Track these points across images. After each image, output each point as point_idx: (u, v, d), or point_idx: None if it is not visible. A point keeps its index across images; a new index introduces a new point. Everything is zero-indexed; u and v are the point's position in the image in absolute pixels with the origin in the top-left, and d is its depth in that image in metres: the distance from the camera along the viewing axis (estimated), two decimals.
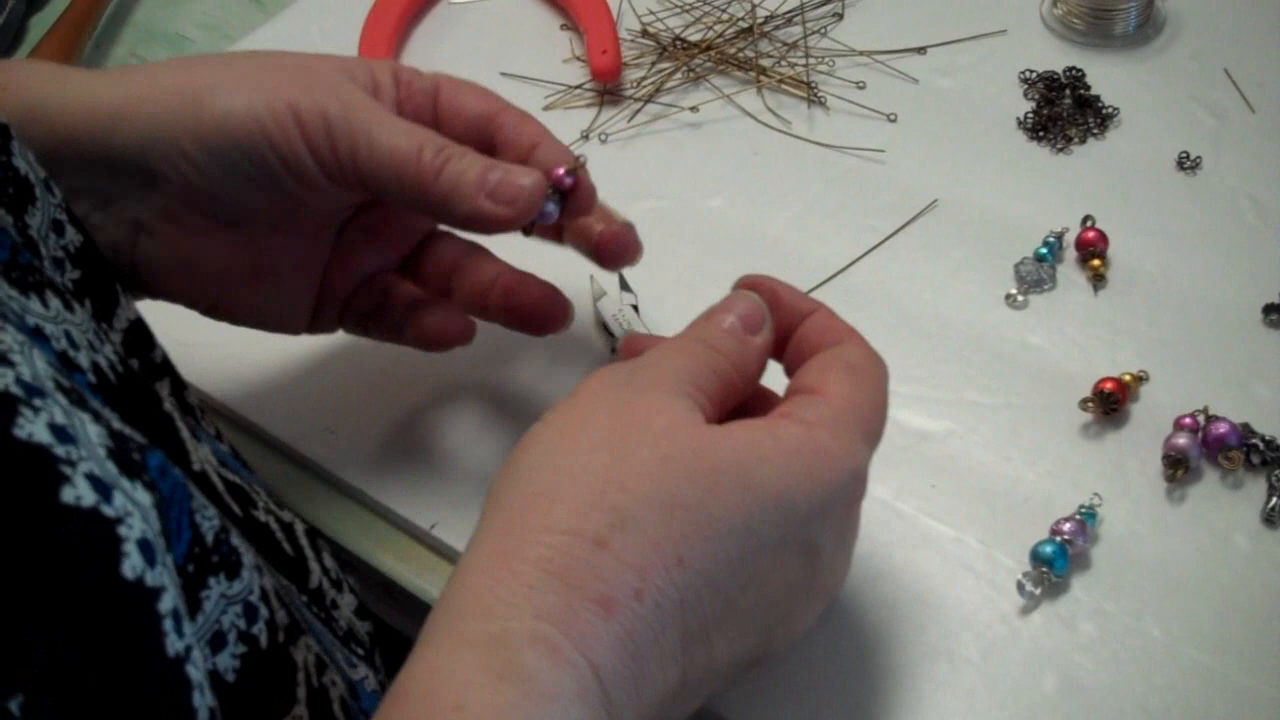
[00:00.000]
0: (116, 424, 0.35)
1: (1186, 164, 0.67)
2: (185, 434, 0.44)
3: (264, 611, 0.39)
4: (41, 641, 0.31)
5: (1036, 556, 0.52)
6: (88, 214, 0.49)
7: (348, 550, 0.57)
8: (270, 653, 0.39)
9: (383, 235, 0.55)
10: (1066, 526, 0.52)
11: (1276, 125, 0.69)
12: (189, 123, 0.48)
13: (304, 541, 0.49)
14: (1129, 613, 0.51)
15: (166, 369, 0.48)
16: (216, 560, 0.38)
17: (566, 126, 0.72)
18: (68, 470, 0.32)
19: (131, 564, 0.33)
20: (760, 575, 0.41)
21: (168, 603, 0.34)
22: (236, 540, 0.39)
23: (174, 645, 0.34)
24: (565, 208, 0.50)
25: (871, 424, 0.45)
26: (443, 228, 0.55)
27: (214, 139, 0.48)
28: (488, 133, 0.52)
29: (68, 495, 0.32)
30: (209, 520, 0.37)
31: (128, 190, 0.49)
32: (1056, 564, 0.51)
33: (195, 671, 0.34)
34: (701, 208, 0.68)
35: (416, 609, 0.56)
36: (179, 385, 0.48)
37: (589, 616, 0.37)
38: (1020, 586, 0.52)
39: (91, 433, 0.33)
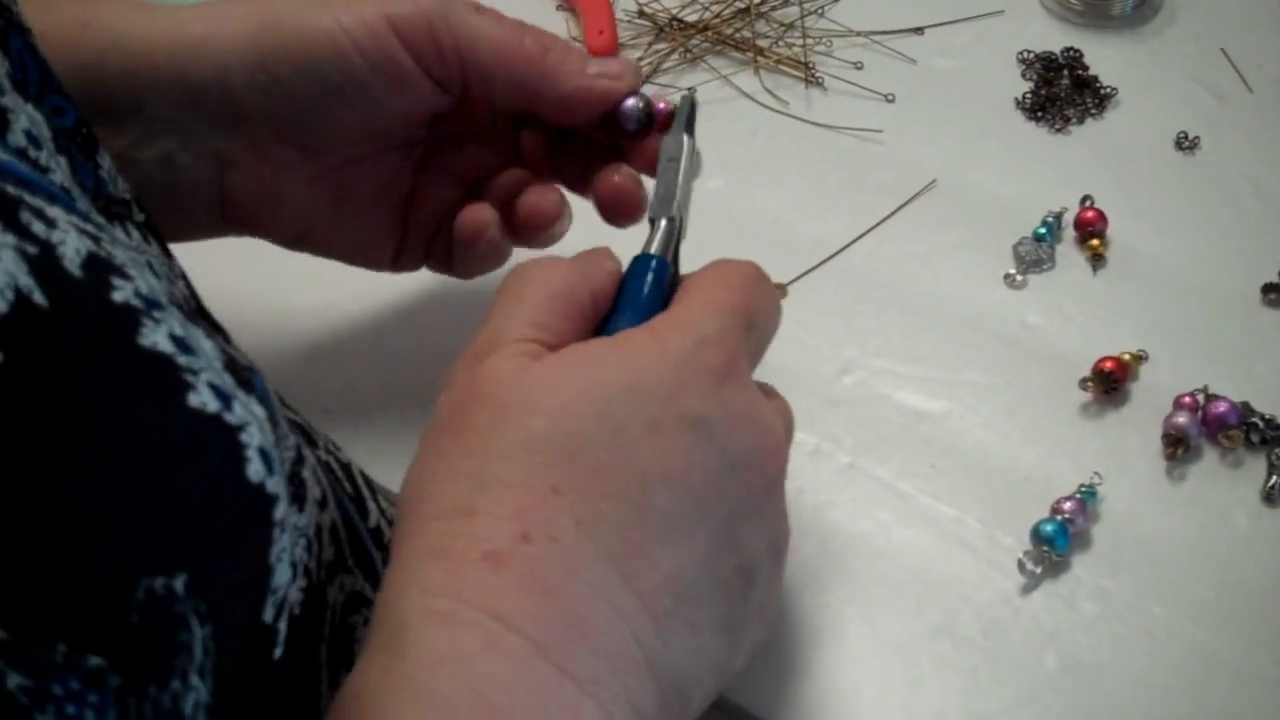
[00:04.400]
0: (221, 342, 0.35)
1: (1185, 144, 0.67)
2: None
3: (315, 547, 0.39)
4: (188, 532, 0.31)
5: (1037, 535, 0.52)
6: (173, 153, 0.50)
7: None
8: (316, 588, 0.39)
9: (455, 170, 0.55)
10: (1067, 505, 0.52)
11: (1274, 105, 0.69)
12: (271, 45, 0.48)
13: (360, 481, 0.49)
14: (1130, 591, 0.51)
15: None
16: (292, 491, 0.37)
17: None
18: (190, 378, 0.32)
19: (255, 468, 0.33)
20: (652, 467, 0.38)
21: (281, 510, 0.34)
22: (307, 473, 0.39)
23: (277, 552, 0.34)
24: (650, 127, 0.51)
25: (721, 303, 0.42)
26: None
27: (299, 57, 0.48)
28: None
29: (194, 400, 0.32)
30: (288, 450, 0.38)
31: (212, 125, 0.50)
32: (1057, 543, 0.51)
33: (278, 579, 0.35)
34: (699, 188, 0.67)
35: None
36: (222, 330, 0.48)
37: (479, 575, 0.36)
38: (1021, 565, 0.52)
39: (206, 346, 0.34)
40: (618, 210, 0.52)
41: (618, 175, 0.52)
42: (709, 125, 0.71)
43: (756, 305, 0.43)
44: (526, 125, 0.54)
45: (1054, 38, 0.73)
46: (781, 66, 0.73)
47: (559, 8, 0.78)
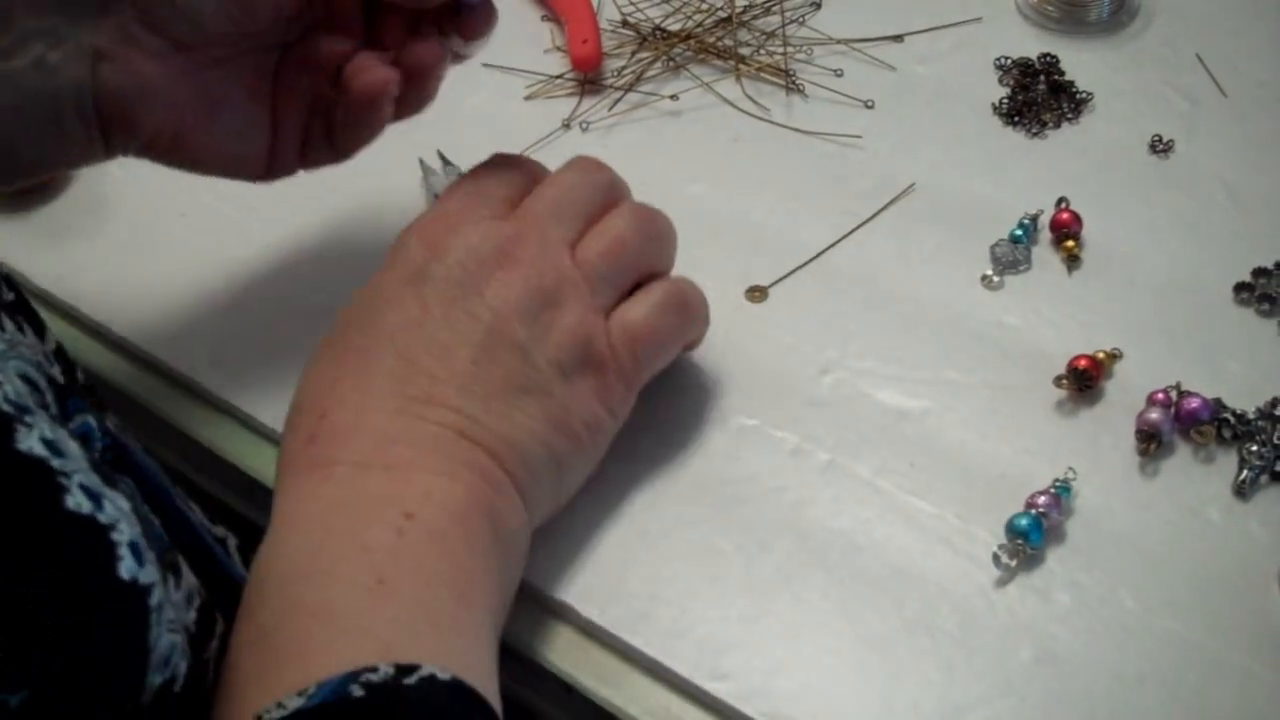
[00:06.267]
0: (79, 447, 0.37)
1: (1159, 147, 0.68)
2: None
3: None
4: (50, 641, 0.32)
5: (1012, 529, 0.53)
6: (42, 56, 0.49)
7: None
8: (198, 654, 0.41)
9: (311, 63, 0.56)
10: (1041, 500, 0.53)
11: (1247, 109, 0.70)
12: None
13: (236, 558, 0.52)
14: (1103, 584, 0.52)
15: (90, 390, 0.49)
16: (170, 561, 0.40)
17: (548, 116, 0.73)
18: (64, 481, 0.33)
19: (126, 565, 0.35)
20: (391, 319, 0.50)
21: (156, 597, 0.36)
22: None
23: (154, 636, 0.36)
24: None
25: (445, 199, 0.54)
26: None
27: None
28: None
29: (70, 503, 0.33)
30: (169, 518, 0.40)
31: (80, 20, 0.49)
32: (1031, 536, 0.52)
33: (157, 657, 0.36)
34: (682, 194, 0.69)
35: None
36: (101, 404, 0.49)
37: (304, 454, 0.48)
38: (996, 559, 0.52)
39: (73, 447, 0.35)
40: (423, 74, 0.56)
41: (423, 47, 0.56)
42: (691, 132, 0.72)
43: (487, 182, 0.55)
44: (379, 9, 0.56)
45: (1031, 44, 0.74)
46: (763, 74, 0.74)
47: (544, 18, 0.79)
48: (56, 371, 0.44)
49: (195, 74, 0.53)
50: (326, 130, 0.57)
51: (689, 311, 0.55)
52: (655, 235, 0.55)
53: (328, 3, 0.55)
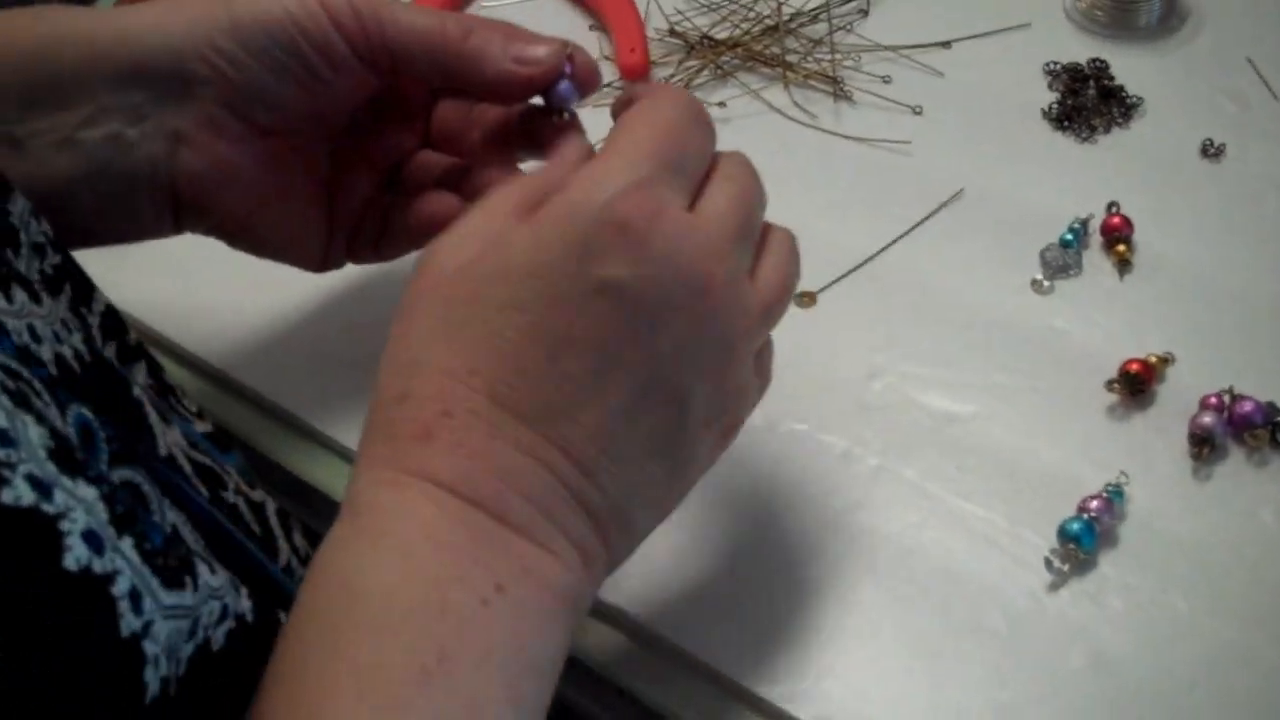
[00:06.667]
0: (59, 424, 0.36)
1: (1210, 151, 0.68)
2: (154, 418, 0.45)
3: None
4: None
5: (1064, 534, 0.53)
6: (120, 132, 0.51)
7: None
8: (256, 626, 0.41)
9: (373, 155, 0.57)
10: (1094, 504, 0.53)
11: None
12: (221, 22, 0.50)
13: (274, 521, 0.50)
14: (1156, 588, 0.52)
15: (141, 352, 0.49)
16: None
17: (596, 124, 0.73)
18: (7, 473, 0.33)
19: (75, 556, 0.34)
20: (560, 338, 0.42)
21: (123, 585, 0.35)
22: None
23: (130, 625, 0.35)
24: (580, 89, 0.54)
25: (639, 152, 0.44)
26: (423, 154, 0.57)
27: (248, 32, 0.50)
28: None
29: (7, 496, 0.33)
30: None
31: (164, 100, 0.51)
32: (1084, 541, 0.52)
33: (152, 646, 0.36)
34: None
35: None
36: (155, 367, 0.49)
37: (412, 449, 0.42)
38: (1048, 563, 0.52)
39: (33, 434, 0.34)
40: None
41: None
42: (740, 139, 0.72)
43: (682, 144, 0.45)
44: (443, 96, 0.56)
45: (1080, 49, 0.74)
46: (810, 81, 0.75)
47: (591, 28, 0.80)
48: (76, 340, 0.42)
49: (271, 161, 0.53)
50: (377, 226, 0.57)
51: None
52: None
53: (397, 90, 0.56)
